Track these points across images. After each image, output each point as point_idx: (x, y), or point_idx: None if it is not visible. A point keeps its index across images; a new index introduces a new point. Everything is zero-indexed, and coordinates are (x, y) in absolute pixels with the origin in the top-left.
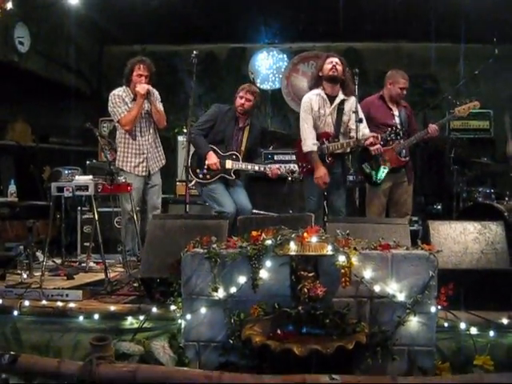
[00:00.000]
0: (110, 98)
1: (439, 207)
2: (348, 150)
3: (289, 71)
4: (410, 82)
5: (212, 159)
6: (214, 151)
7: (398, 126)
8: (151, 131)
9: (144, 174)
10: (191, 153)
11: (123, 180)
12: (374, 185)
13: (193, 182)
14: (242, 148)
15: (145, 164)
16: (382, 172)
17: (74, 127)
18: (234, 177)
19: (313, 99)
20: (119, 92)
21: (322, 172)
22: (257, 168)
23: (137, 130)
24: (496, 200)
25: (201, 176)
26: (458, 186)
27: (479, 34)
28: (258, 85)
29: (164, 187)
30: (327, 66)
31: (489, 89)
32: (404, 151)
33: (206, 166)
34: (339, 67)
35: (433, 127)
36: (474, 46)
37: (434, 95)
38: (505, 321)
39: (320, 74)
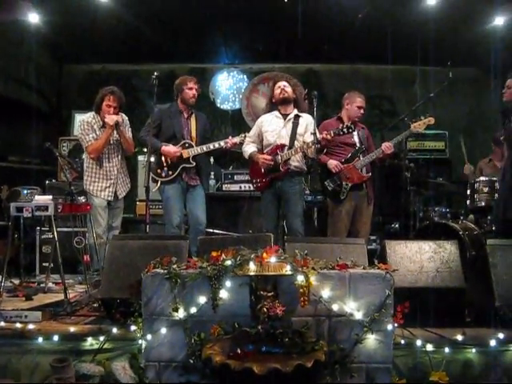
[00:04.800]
0: (79, 123)
1: (397, 226)
2: (304, 166)
3: (249, 92)
4: (367, 104)
5: (170, 150)
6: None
7: (358, 144)
8: (119, 157)
9: (110, 198)
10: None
11: (83, 200)
12: (338, 201)
13: (156, 187)
14: (193, 135)
15: (111, 189)
16: (345, 188)
17: (34, 146)
18: (193, 163)
19: (265, 119)
20: (88, 119)
21: (262, 156)
22: (212, 146)
23: (104, 156)
24: (451, 219)
25: (164, 175)
26: (414, 206)
27: (435, 57)
28: (219, 105)
29: (124, 207)
30: (277, 92)
31: (444, 110)
32: (365, 168)
33: (165, 164)
34: (287, 89)
35: (386, 144)
36: (429, 69)
37: (392, 116)
38: (459, 337)
39: (273, 100)
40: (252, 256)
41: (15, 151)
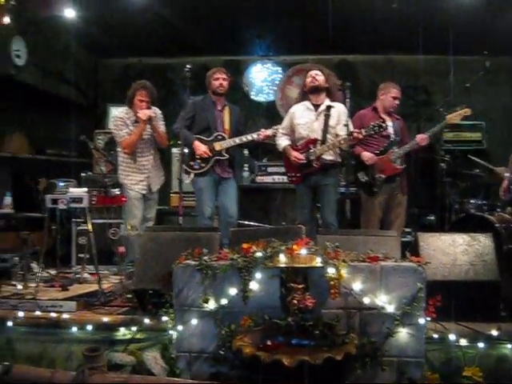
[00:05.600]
0: (112, 119)
1: (432, 218)
2: (338, 158)
3: (283, 83)
4: (402, 94)
5: (200, 148)
6: (200, 140)
7: (392, 136)
8: (152, 151)
9: (144, 191)
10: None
11: (118, 192)
12: (371, 194)
13: (189, 179)
14: (227, 127)
15: (145, 182)
16: (378, 181)
17: (71, 139)
18: (227, 156)
19: (296, 109)
20: (122, 114)
21: (294, 154)
22: (244, 139)
23: (138, 150)
24: (488, 211)
25: (196, 167)
26: (450, 198)
27: (471, 47)
28: (253, 97)
29: (159, 199)
30: (308, 80)
31: (481, 101)
32: (399, 160)
33: (198, 156)
34: (319, 77)
35: (421, 136)
36: (465, 59)
37: (427, 107)
38: (494, 332)
39: (304, 89)
40: (282, 248)
41: (53, 144)
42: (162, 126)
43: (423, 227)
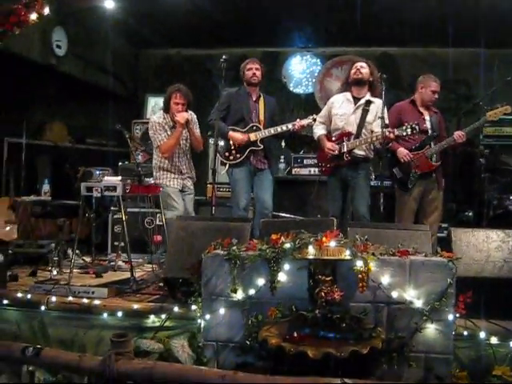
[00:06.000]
0: (150, 123)
1: (470, 214)
2: (370, 154)
3: (322, 75)
4: (443, 88)
5: (237, 136)
6: (234, 131)
7: (429, 131)
8: (188, 155)
9: (179, 187)
10: (217, 143)
11: (152, 182)
12: (405, 190)
13: (225, 170)
14: (261, 118)
15: (180, 180)
16: (413, 177)
17: (110, 129)
18: (261, 146)
19: (336, 100)
20: (159, 119)
21: (328, 144)
22: (279, 129)
23: (174, 154)
24: None
25: (232, 158)
26: (488, 194)
27: None
28: (291, 89)
29: (196, 189)
30: (352, 71)
31: None
32: (435, 156)
33: (233, 147)
34: (364, 70)
35: (459, 133)
36: (508, 52)
37: (468, 100)
38: None
39: (348, 80)
40: (311, 240)
41: (93, 134)
42: (197, 130)
43: (461, 223)
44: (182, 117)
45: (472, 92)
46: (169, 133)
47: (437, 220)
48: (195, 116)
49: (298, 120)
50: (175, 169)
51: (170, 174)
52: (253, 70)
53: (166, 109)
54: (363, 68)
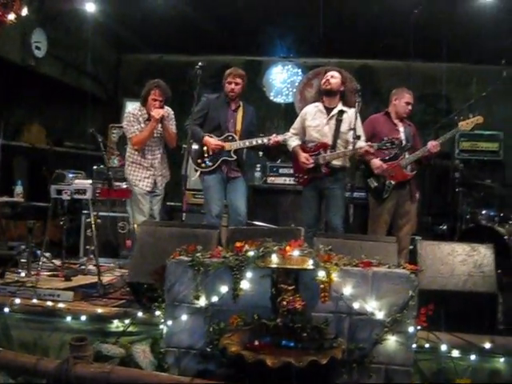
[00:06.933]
0: (125, 115)
1: (444, 228)
2: (347, 163)
3: (303, 85)
4: (423, 101)
5: (211, 143)
6: (210, 137)
7: (403, 141)
8: (161, 150)
9: (148, 188)
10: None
11: (124, 186)
12: (380, 200)
13: (196, 176)
14: (238, 129)
15: (151, 180)
16: (388, 186)
17: (87, 132)
18: (235, 157)
19: (308, 111)
20: (135, 111)
21: (303, 156)
22: (254, 142)
23: (147, 148)
24: (499, 223)
25: (203, 165)
26: (462, 208)
27: (492, 55)
28: (272, 98)
29: (171, 196)
30: (322, 81)
31: (500, 111)
32: (409, 166)
33: (206, 154)
34: (333, 80)
35: (432, 143)
36: (485, 68)
37: (447, 115)
38: (487, 345)
39: (320, 89)
40: (275, 248)
41: (71, 137)
42: (172, 126)
43: (435, 236)
44: (157, 112)
45: (451, 106)
46: (142, 125)
47: (409, 232)
48: (172, 112)
49: (274, 135)
50: (147, 163)
51: (141, 170)
52: (232, 85)
53: (144, 102)
54: (333, 78)
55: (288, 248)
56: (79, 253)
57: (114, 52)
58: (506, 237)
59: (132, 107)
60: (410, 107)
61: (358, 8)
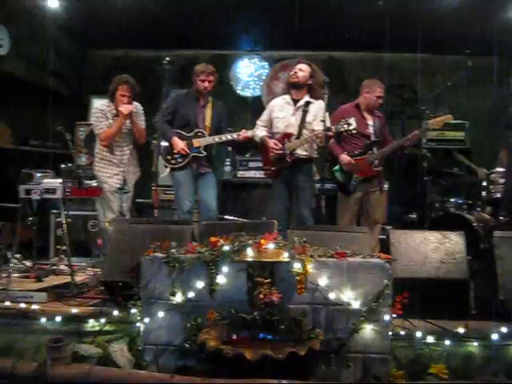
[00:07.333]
0: (93, 110)
1: (414, 216)
2: (314, 154)
3: (270, 79)
4: (389, 92)
5: (178, 145)
6: (179, 135)
7: (372, 136)
8: (130, 146)
9: (118, 185)
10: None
11: (94, 185)
12: (347, 193)
13: (166, 172)
14: (207, 124)
15: (120, 176)
16: (354, 181)
17: (54, 130)
18: (205, 153)
19: (276, 103)
20: (102, 106)
21: (272, 142)
22: (224, 138)
23: (115, 144)
24: (467, 210)
25: (173, 162)
26: (430, 196)
27: (457, 46)
28: (239, 92)
29: (141, 192)
30: (290, 73)
31: (465, 100)
32: (376, 161)
33: (175, 151)
34: (301, 73)
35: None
36: (451, 58)
37: (414, 105)
38: (461, 330)
39: (287, 82)
40: (250, 242)
41: (37, 136)
42: (141, 122)
43: (405, 225)
44: (126, 108)
45: (417, 97)
46: (111, 121)
47: (377, 220)
48: (141, 107)
49: (243, 130)
50: (116, 159)
51: (111, 166)
52: (205, 83)
53: (112, 98)
54: (301, 71)
55: (263, 241)
56: (49, 253)
57: (80, 49)
58: (474, 224)
59: (100, 103)
60: (380, 101)
61: (323, 0)
